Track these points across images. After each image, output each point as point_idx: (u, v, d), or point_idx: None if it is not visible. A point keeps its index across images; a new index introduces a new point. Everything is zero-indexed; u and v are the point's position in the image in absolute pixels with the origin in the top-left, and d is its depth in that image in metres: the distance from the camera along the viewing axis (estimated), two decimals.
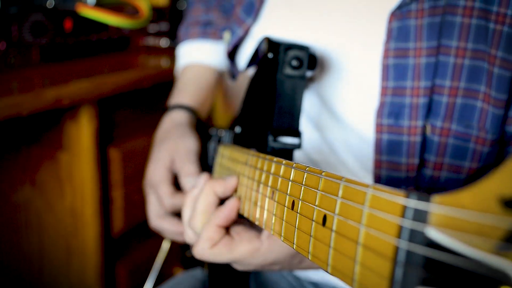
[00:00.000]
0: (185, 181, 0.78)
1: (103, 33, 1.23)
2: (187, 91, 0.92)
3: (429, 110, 0.64)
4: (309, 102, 0.73)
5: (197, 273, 0.87)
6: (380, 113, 0.65)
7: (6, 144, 1.18)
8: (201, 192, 0.59)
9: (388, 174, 0.66)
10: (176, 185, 0.82)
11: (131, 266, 1.28)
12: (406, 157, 0.64)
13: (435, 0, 0.62)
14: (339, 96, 0.69)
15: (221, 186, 0.58)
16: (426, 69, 0.63)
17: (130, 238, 1.31)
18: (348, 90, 0.68)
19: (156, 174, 0.81)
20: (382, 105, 0.65)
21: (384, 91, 0.65)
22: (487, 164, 0.64)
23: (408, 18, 0.63)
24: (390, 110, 0.64)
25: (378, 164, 0.66)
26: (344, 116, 0.69)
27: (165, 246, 0.96)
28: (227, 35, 0.87)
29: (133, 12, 1.28)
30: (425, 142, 0.64)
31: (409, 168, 0.65)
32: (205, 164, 0.85)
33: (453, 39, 0.62)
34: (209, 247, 0.55)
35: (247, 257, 0.55)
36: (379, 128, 0.65)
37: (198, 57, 0.97)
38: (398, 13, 0.63)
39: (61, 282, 1.20)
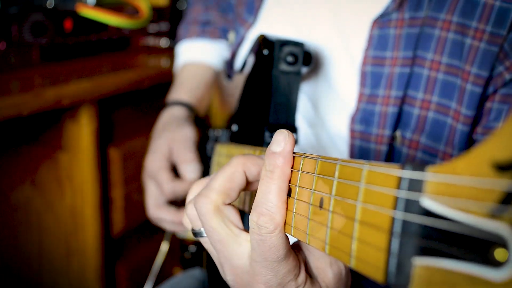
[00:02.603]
0: (183, 168, 0.80)
1: (103, 33, 1.24)
2: (185, 89, 0.94)
3: (399, 120, 0.64)
4: (302, 101, 0.74)
5: (196, 273, 0.87)
6: (353, 119, 0.66)
7: (6, 144, 1.18)
8: (227, 167, 0.43)
9: None
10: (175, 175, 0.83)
11: (131, 266, 1.28)
12: None
13: (415, 11, 0.62)
14: (323, 100, 0.71)
15: (257, 165, 0.43)
16: (399, 79, 0.63)
17: (130, 238, 1.31)
18: (331, 96, 0.69)
19: (155, 163, 0.82)
20: (357, 111, 0.66)
21: (360, 97, 0.66)
22: None
23: (388, 27, 0.64)
24: (362, 117, 0.66)
25: None
26: (327, 119, 0.70)
27: (164, 247, 0.96)
28: (231, 36, 0.88)
29: (133, 12, 1.29)
30: (393, 152, 0.65)
31: None
32: (204, 164, 0.85)
33: (429, 51, 0.62)
34: (221, 202, 0.42)
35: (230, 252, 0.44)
36: (352, 133, 0.67)
37: (196, 55, 0.98)
38: (380, 22, 0.64)
39: (61, 282, 1.20)
